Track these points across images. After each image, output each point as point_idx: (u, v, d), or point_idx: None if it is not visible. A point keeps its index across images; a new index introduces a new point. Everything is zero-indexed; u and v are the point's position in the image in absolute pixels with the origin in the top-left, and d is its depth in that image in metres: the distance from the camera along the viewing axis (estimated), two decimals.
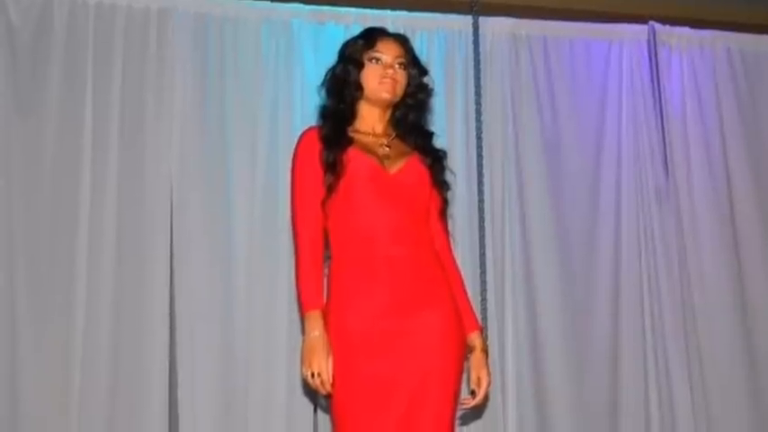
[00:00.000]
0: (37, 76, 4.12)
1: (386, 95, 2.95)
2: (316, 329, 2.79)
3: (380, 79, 2.93)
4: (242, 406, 4.11)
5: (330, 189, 2.87)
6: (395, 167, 2.93)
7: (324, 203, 2.89)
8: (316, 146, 2.91)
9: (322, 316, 2.81)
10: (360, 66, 2.95)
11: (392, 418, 2.75)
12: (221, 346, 4.15)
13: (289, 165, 2.99)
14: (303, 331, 2.85)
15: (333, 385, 2.77)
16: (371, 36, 3.00)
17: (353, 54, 2.98)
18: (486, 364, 2.98)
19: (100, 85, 4.15)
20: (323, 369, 2.75)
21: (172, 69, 4.22)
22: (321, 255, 2.90)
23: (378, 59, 2.95)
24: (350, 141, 2.92)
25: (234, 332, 4.17)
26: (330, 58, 3.07)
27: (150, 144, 4.18)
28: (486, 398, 3.04)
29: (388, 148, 2.97)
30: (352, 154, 2.89)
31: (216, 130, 4.26)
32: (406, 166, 2.95)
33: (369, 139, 2.97)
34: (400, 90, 2.98)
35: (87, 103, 4.13)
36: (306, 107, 4.09)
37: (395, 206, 2.89)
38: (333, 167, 2.87)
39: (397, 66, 2.96)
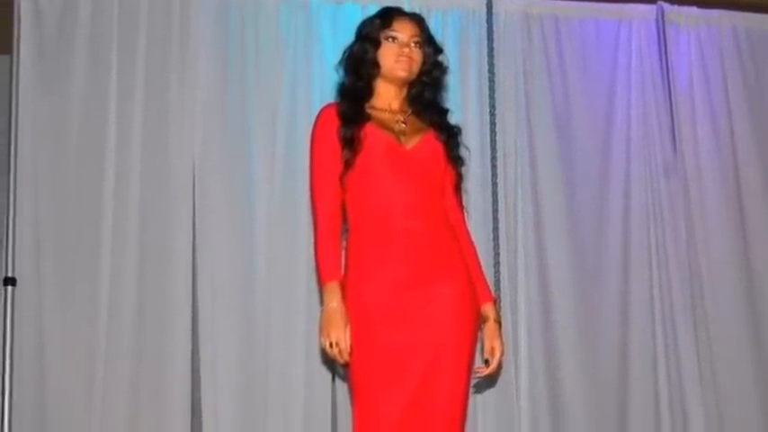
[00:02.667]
0: (63, 59, 4.18)
1: (402, 73, 2.98)
2: (334, 300, 2.83)
3: (397, 57, 2.96)
4: (262, 375, 4.18)
5: (348, 164, 2.91)
6: (411, 143, 2.97)
7: (342, 178, 2.92)
8: (334, 122, 2.94)
9: (340, 287, 2.84)
10: (377, 44, 2.98)
11: (408, 386, 2.79)
12: (242, 318, 4.21)
13: (308, 141, 3.03)
14: (322, 302, 2.89)
15: (350, 355, 2.80)
16: (388, 15, 3.03)
17: (370, 33, 3.01)
18: (500, 334, 3.01)
19: (124, 67, 4.20)
20: (341, 339, 2.79)
21: (194, 51, 4.27)
22: (339, 228, 2.93)
23: (394, 38, 2.98)
24: (367, 118, 2.95)
25: (255, 305, 4.22)
26: (348, 38, 3.11)
27: (173, 124, 4.23)
28: (499, 367, 3.05)
29: (404, 125, 3.00)
30: (369, 130, 2.92)
31: (237, 108, 4.30)
32: (422, 142, 2.98)
33: (385, 116, 2.99)
34: (416, 68, 3.00)
35: (112, 85, 4.19)
36: (324, 85, 4.12)
37: (411, 181, 2.93)
38: (350, 143, 2.91)
39: (412, 44, 2.99)
